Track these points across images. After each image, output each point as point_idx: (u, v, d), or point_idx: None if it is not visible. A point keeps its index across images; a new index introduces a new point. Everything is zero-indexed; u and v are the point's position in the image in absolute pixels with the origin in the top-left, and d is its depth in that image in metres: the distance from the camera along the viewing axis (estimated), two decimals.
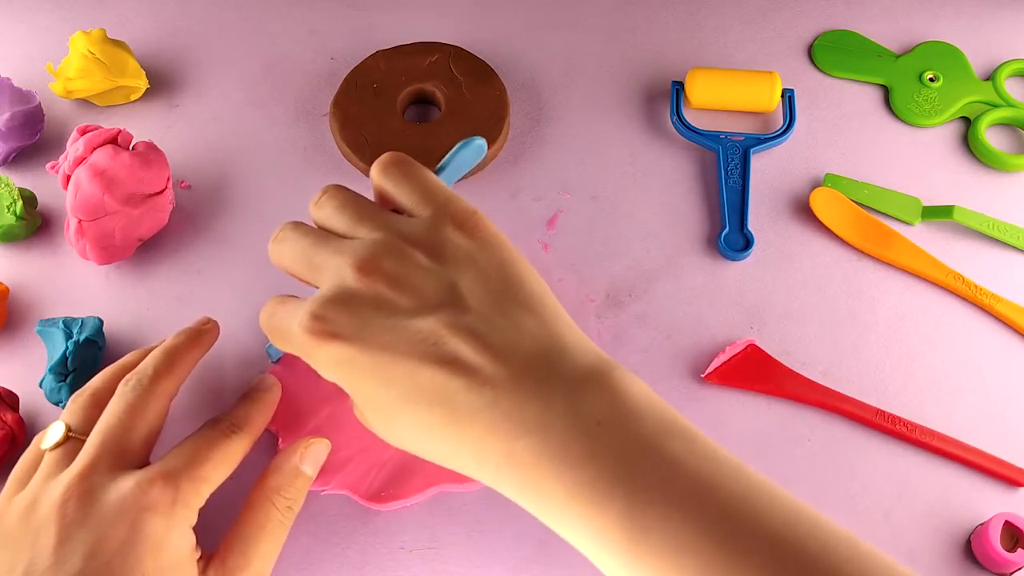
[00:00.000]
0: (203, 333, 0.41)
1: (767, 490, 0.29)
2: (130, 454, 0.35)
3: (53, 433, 0.36)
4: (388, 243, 0.33)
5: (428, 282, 0.32)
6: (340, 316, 0.32)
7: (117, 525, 0.32)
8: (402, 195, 0.36)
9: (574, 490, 0.29)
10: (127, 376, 0.37)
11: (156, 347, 0.40)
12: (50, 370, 0.42)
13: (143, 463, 0.36)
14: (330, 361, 0.32)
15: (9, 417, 0.41)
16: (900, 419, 0.43)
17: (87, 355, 0.43)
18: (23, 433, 0.41)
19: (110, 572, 0.31)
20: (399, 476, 0.41)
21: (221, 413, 0.38)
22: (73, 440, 0.36)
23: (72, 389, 0.41)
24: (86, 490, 0.33)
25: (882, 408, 0.44)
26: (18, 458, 0.41)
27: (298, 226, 0.36)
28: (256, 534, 0.36)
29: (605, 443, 0.29)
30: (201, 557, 0.35)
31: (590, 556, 0.30)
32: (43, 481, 0.34)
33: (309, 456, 0.38)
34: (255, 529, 0.36)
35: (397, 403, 0.32)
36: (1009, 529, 0.39)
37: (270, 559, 0.36)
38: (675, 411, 0.31)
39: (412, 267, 0.33)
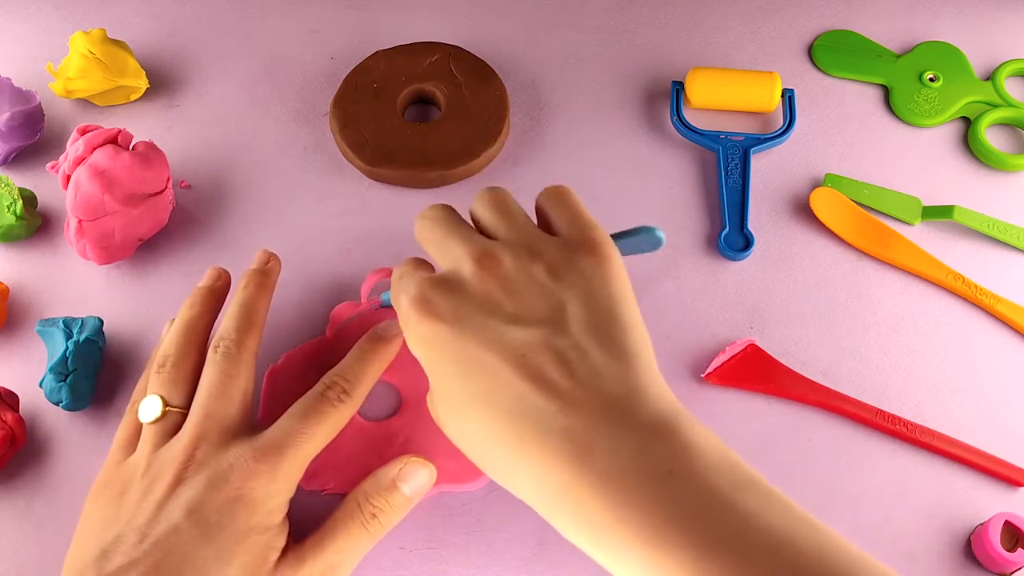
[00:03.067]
0: (268, 274, 0.41)
1: (842, 547, 0.29)
2: (231, 421, 0.37)
3: (151, 407, 0.37)
4: (514, 249, 0.34)
5: (538, 297, 0.33)
6: (444, 300, 0.33)
7: (221, 490, 0.34)
8: (555, 213, 0.37)
9: (641, 534, 0.29)
10: (214, 343, 0.38)
11: (198, 293, 0.41)
12: (50, 370, 0.42)
13: (244, 425, 0.37)
14: (422, 338, 0.33)
15: (9, 417, 0.41)
16: (900, 419, 0.43)
17: (87, 355, 0.43)
18: (23, 433, 0.41)
19: (207, 527, 0.33)
20: None
21: (334, 371, 0.39)
22: (172, 413, 0.37)
23: (72, 389, 0.41)
24: (196, 460, 0.35)
25: (882, 408, 0.44)
26: (18, 458, 0.41)
27: (445, 208, 0.37)
28: (336, 528, 0.37)
29: (676, 492, 0.29)
30: (290, 532, 0.36)
31: None
32: (151, 451, 0.36)
33: (407, 474, 0.38)
34: (337, 523, 0.37)
35: (471, 401, 0.32)
36: (1009, 529, 0.39)
37: (345, 557, 0.37)
38: (747, 464, 0.31)
39: (527, 277, 0.33)
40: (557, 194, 0.37)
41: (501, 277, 0.33)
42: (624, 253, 0.38)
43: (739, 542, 0.28)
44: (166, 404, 0.37)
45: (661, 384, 0.33)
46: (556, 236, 0.36)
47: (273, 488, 0.35)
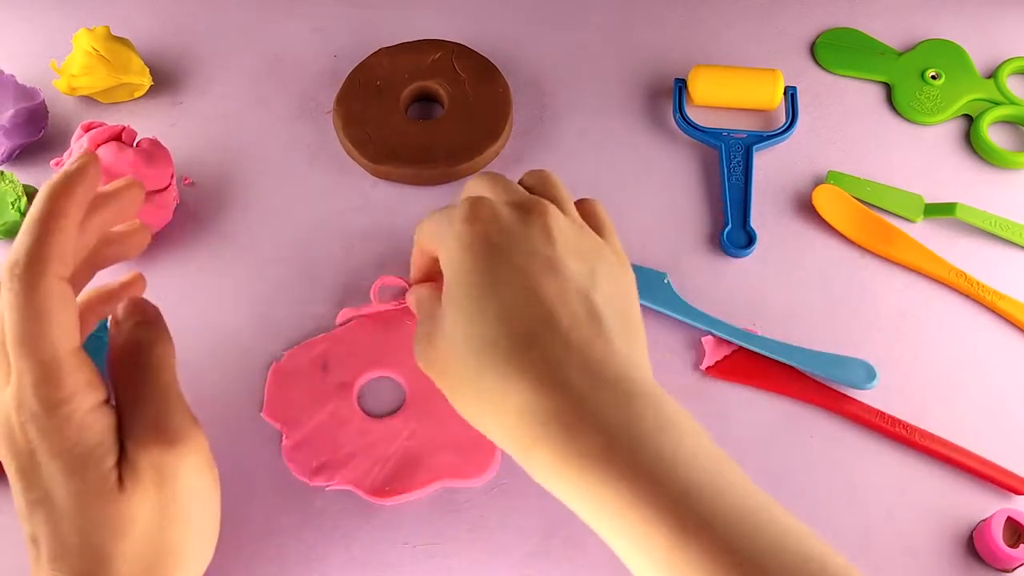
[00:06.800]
0: (73, 177, 0.32)
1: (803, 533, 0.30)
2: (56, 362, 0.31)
3: None
4: (563, 211, 0.36)
5: (577, 256, 0.34)
6: (500, 215, 0.34)
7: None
8: (590, 222, 0.38)
9: (626, 471, 0.29)
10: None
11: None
12: None
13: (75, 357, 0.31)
14: (463, 238, 0.33)
15: None
16: (900, 421, 0.43)
17: (92, 350, 0.42)
18: None
19: None
20: (402, 471, 0.41)
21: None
22: None
23: None
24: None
25: (884, 404, 0.44)
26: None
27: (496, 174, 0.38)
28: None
29: (665, 442, 0.30)
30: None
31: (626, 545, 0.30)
32: None
33: None
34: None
35: (489, 308, 0.32)
36: (1011, 525, 0.39)
37: None
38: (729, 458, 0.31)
39: (569, 237, 0.35)
40: (591, 204, 0.38)
41: (548, 226, 0.34)
42: None
43: (718, 506, 0.29)
44: None
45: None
46: None
47: None
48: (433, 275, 0.39)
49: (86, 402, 0.31)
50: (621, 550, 0.30)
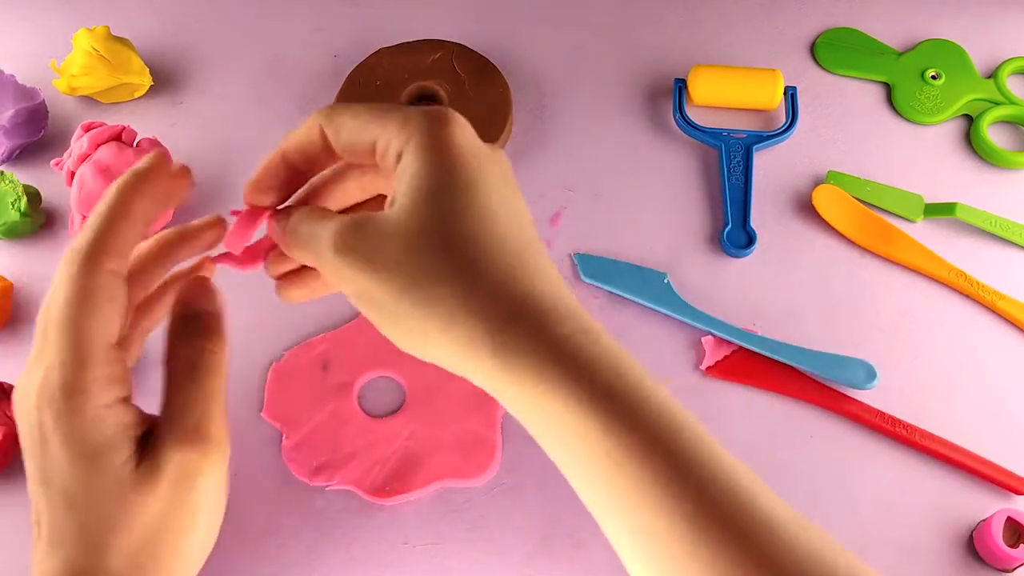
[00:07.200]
0: (142, 176, 0.33)
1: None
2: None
3: None
4: None
5: None
6: (470, 126, 0.32)
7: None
8: None
9: (565, 370, 0.28)
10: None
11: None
12: None
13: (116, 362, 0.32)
14: (447, 137, 0.30)
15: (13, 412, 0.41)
16: (900, 421, 0.43)
17: None
18: None
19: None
20: (402, 471, 0.41)
21: None
22: None
23: None
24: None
25: (884, 404, 0.44)
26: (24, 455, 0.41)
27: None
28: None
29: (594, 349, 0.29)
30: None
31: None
32: (28, 364, 0.33)
33: None
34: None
35: (501, 203, 0.30)
36: (1011, 525, 0.39)
37: None
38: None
39: None
40: None
41: (506, 159, 0.33)
42: None
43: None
44: None
45: None
46: None
47: None
48: (303, 168, 0.34)
49: (105, 396, 0.31)
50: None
